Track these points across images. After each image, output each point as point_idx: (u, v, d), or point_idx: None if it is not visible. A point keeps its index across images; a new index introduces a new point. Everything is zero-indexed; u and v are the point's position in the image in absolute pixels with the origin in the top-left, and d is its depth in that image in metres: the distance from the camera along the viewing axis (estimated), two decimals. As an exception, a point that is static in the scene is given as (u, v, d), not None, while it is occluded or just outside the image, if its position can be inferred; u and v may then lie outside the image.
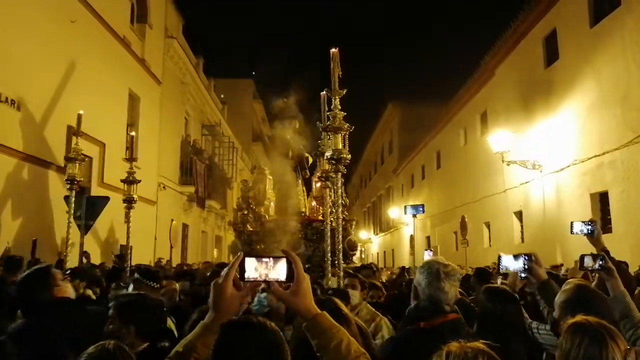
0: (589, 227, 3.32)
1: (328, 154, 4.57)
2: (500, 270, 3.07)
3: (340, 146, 4.38)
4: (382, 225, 39.11)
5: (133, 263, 12.34)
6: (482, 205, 18.73)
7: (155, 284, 4.00)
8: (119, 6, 15.12)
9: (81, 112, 7.80)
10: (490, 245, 18.33)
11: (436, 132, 25.54)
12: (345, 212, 13.04)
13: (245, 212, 13.09)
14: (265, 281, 1.51)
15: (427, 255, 5.04)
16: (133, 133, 7.70)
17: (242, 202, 13.48)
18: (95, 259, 11.29)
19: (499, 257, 3.01)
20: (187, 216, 21.32)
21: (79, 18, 12.25)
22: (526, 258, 2.95)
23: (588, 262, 2.98)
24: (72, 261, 9.11)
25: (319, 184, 12.48)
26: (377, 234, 41.43)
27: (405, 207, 17.48)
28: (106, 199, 10.85)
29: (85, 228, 9.76)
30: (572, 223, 3.37)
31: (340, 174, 4.39)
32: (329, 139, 4.53)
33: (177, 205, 20.05)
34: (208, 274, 5.43)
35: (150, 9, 17.48)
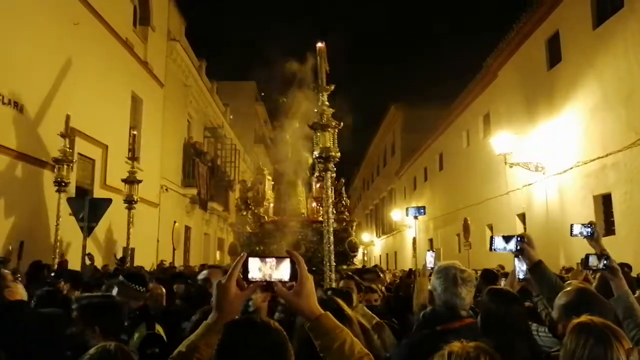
0: (589, 229, 3.31)
1: (316, 152, 4.38)
2: (493, 251, 3.04)
3: (329, 144, 4.19)
4: (384, 227, 39.08)
5: (135, 265, 12.40)
6: (485, 207, 18.70)
7: (140, 287, 3.90)
8: (121, 8, 15.16)
9: (69, 113, 7.80)
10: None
11: (439, 134, 25.53)
12: (347, 213, 12.96)
13: (244, 213, 12.96)
14: (268, 281, 1.51)
15: (430, 257, 5.02)
16: (135, 132, 7.68)
17: (241, 203, 13.34)
18: (97, 262, 11.29)
19: (491, 238, 2.99)
20: (190, 218, 21.34)
21: (82, 20, 12.29)
22: (518, 239, 2.93)
23: (593, 261, 2.97)
24: (73, 262, 9.14)
25: (318, 185, 12.43)
26: (379, 236, 41.41)
27: (407, 209, 17.50)
28: (109, 201, 10.86)
29: (87, 230, 9.76)
30: (571, 225, 3.36)
31: (329, 173, 4.19)
32: (317, 135, 4.36)
33: (180, 208, 20.07)
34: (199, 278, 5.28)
35: (152, 12, 17.53)
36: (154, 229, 17.10)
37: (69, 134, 7.23)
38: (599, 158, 11.64)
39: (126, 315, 3.05)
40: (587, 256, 3.02)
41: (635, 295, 5.25)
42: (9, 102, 9.81)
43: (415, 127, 29.15)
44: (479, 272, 8.33)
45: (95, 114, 12.71)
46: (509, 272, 6.27)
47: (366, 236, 42.20)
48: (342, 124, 4.17)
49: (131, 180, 7.40)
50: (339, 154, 4.15)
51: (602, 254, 2.99)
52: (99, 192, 12.78)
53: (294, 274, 1.50)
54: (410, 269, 12.91)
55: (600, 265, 2.94)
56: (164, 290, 5.08)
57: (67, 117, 7.21)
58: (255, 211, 12.86)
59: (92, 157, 13.09)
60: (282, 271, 1.50)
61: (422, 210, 17.25)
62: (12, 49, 9.83)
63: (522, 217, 15.99)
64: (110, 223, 12.54)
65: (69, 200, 10.23)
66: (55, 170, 7.37)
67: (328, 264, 4.61)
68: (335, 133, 4.29)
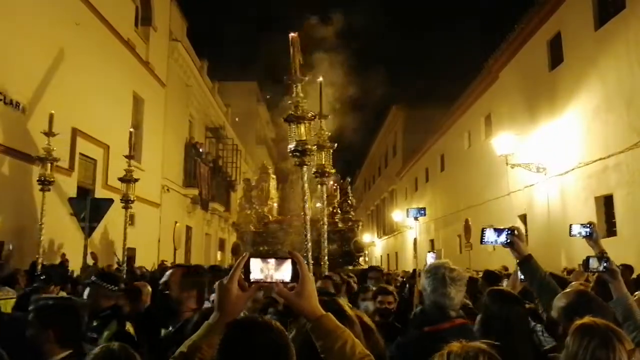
0: (587, 229, 3.31)
1: (291, 145, 4.22)
2: (484, 244, 3.03)
3: (304, 137, 4.05)
4: (385, 228, 39.08)
5: (137, 265, 12.42)
6: (486, 208, 18.69)
7: (113, 286, 3.85)
8: (123, 9, 15.18)
9: (52, 112, 7.76)
10: (494, 248, 18.28)
11: (440, 135, 25.52)
12: (352, 213, 12.86)
13: (248, 212, 12.82)
14: (270, 282, 1.51)
15: (430, 258, 5.03)
16: (132, 129, 7.61)
17: (245, 202, 13.18)
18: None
19: (482, 231, 2.98)
20: (191, 219, 21.35)
21: (84, 21, 12.31)
22: (508, 232, 2.92)
23: (593, 263, 2.97)
24: (73, 263, 9.16)
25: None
26: (380, 237, 41.41)
27: (407, 209, 17.49)
28: (110, 201, 10.87)
29: (89, 230, 9.77)
30: (570, 225, 3.36)
31: (305, 167, 4.04)
32: (293, 127, 4.13)
33: (181, 208, 20.09)
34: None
35: (154, 12, 17.55)
36: (155, 229, 17.12)
37: (48, 132, 7.17)
38: (600, 159, 11.62)
39: (85, 319, 2.89)
40: (588, 258, 3.02)
41: (636, 297, 5.26)
42: (17, 105, 9.84)
43: (416, 128, 29.15)
44: (481, 274, 8.35)
45: (96, 114, 12.74)
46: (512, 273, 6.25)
47: (367, 237, 42.19)
48: (316, 116, 4.05)
49: (128, 179, 7.33)
50: (315, 147, 4.02)
51: (602, 257, 2.99)
52: (100, 192, 12.80)
53: (295, 275, 1.50)
54: (414, 270, 12.79)
55: (601, 268, 2.94)
56: (149, 289, 5.04)
57: (51, 116, 7.17)
58: (260, 210, 12.73)
59: (93, 157, 13.11)
60: (283, 272, 1.50)
61: (423, 212, 17.23)
62: (16, 52, 9.85)
63: (524, 218, 15.97)
64: (112, 223, 12.53)
65: (71, 200, 10.26)
66: (40, 168, 7.31)
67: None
68: (311, 125, 4.17)
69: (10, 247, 8.66)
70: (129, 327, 3.60)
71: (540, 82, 14.61)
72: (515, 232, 2.91)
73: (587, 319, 1.92)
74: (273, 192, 13.63)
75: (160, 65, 18.03)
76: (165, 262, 15.42)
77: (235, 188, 26.77)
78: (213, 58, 27.11)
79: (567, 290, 2.75)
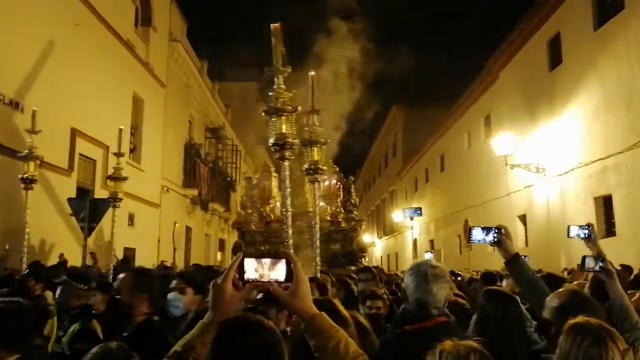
0: (586, 231, 3.31)
1: (272, 139, 4.07)
2: (470, 243, 3.03)
3: (284, 130, 3.86)
4: (385, 228, 39.08)
5: (137, 266, 12.41)
6: (486, 208, 18.69)
7: (84, 286, 3.82)
8: (123, 9, 15.19)
9: (35, 108, 7.71)
10: (494, 249, 18.27)
11: (440, 135, 25.54)
12: (355, 212, 12.72)
13: (250, 211, 12.60)
14: (264, 282, 1.52)
15: (428, 258, 5.03)
16: (122, 127, 7.52)
17: (247, 201, 12.94)
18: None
19: (470, 229, 2.97)
20: (191, 219, 21.36)
21: (83, 21, 12.32)
22: (496, 231, 2.92)
23: (589, 263, 2.98)
24: (73, 262, 9.15)
25: (326, 183, 12.18)
26: (380, 237, 41.40)
27: (404, 210, 17.45)
28: (109, 202, 10.86)
29: (88, 230, 9.78)
30: (568, 227, 3.36)
31: (287, 162, 3.87)
32: (272, 121, 3.98)
33: (181, 208, 20.09)
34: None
35: (154, 13, 17.56)
36: (155, 229, 17.12)
37: (31, 130, 7.11)
38: (600, 160, 11.64)
39: (32, 322, 2.69)
40: (584, 258, 3.03)
41: (635, 297, 5.27)
42: (17, 105, 9.85)
43: (416, 128, 29.16)
44: (480, 274, 8.36)
45: (96, 115, 12.74)
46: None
47: (367, 237, 42.17)
48: (298, 108, 3.90)
49: (116, 177, 7.24)
50: (296, 140, 3.84)
51: (598, 257, 3.00)
52: (100, 193, 12.79)
53: (289, 275, 1.51)
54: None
55: (597, 268, 2.94)
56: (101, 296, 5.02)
57: (34, 113, 7.12)
58: (262, 209, 12.51)
59: (93, 158, 13.11)
60: (278, 272, 1.51)
61: (419, 211, 17.33)
62: (16, 51, 9.86)
63: (523, 218, 15.99)
64: (110, 223, 12.51)
65: (70, 200, 10.26)
66: (23, 167, 7.22)
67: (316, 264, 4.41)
68: (293, 118, 3.99)
69: (7, 247, 8.65)
70: (95, 325, 3.54)
71: (540, 83, 14.62)
72: (503, 231, 2.90)
73: (580, 318, 1.93)
74: (275, 191, 13.44)
75: (160, 66, 18.03)
76: (165, 263, 15.43)
77: (235, 188, 26.75)
78: (213, 58, 27.13)
79: (560, 290, 2.76)
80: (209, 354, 1.48)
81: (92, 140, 12.80)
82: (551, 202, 13.91)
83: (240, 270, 1.51)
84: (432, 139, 26.51)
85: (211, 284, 1.56)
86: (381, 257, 41.29)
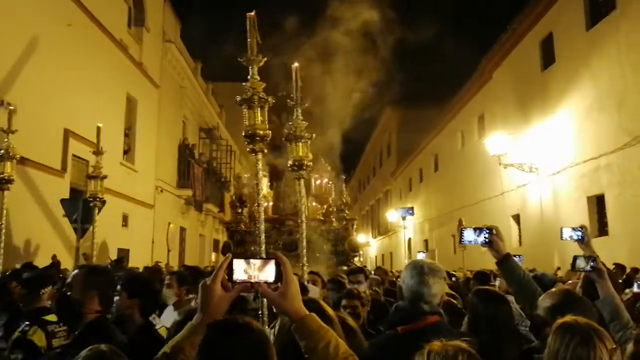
0: (579, 233, 3.32)
1: (244, 131, 3.86)
2: (462, 244, 3.03)
3: (257, 121, 3.67)
4: (380, 228, 39.12)
5: (130, 266, 12.38)
6: (480, 208, 18.75)
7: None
8: (116, 10, 15.13)
9: (12, 107, 7.59)
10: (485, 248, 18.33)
11: (434, 136, 25.59)
12: (347, 212, 12.61)
13: (240, 211, 12.33)
14: (253, 283, 1.51)
15: (420, 257, 5.04)
16: (100, 124, 7.38)
17: (236, 200, 12.63)
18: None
19: (461, 230, 2.98)
20: (185, 220, 21.31)
21: (76, 21, 12.26)
22: (487, 231, 2.93)
23: (580, 263, 2.99)
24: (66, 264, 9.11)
25: (318, 182, 12.10)
26: (375, 237, 41.44)
27: (397, 209, 17.44)
28: (102, 202, 10.81)
29: (81, 231, 9.74)
30: (561, 229, 3.37)
31: (260, 154, 3.63)
32: (253, 112, 3.91)
33: (175, 209, 20.04)
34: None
35: (147, 13, 17.50)
36: (149, 230, 17.07)
37: (7, 129, 7.02)
38: (592, 159, 11.70)
39: None
40: (575, 258, 3.03)
41: (627, 297, 5.30)
42: (2, 102, 9.78)
43: (410, 129, 29.19)
44: (473, 273, 8.37)
45: (89, 115, 12.67)
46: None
47: (362, 237, 42.20)
48: (267, 100, 3.75)
49: (94, 176, 7.11)
50: (268, 132, 3.68)
51: (589, 256, 3.01)
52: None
53: (279, 276, 1.51)
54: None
55: (587, 267, 2.95)
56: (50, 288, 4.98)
57: (10, 112, 7.01)
58: (252, 209, 12.22)
59: (86, 159, 13.03)
60: (267, 272, 1.51)
61: (411, 211, 17.35)
62: (7, 51, 9.81)
63: (517, 218, 16.04)
64: (102, 224, 12.47)
65: (63, 201, 10.21)
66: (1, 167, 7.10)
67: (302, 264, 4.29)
68: (266, 110, 3.77)
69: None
70: (35, 333, 3.37)
71: (533, 83, 14.68)
72: (494, 231, 2.91)
73: (568, 318, 1.94)
74: (266, 191, 13.21)
75: (153, 66, 17.98)
76: (159, 263, 15.38)
77: (230, 189, 26.70)
78: (207, 59, 27.03)
79: (553, 290, 2.77)
80: (196, 356, 1.48)
81: (85, 141, 12.71)
82: (544, 202, 13.97)
83: (230, 271, 1.51)
84: (426, 139, 26.57)
85: (200, 285, 1.56)
86: (376, 257, 41.34)
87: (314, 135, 4.33)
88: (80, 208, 9.81)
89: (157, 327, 3.39)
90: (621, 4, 10.86)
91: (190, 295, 4.64)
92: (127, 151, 15.95)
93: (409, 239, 26.18)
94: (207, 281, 1.54)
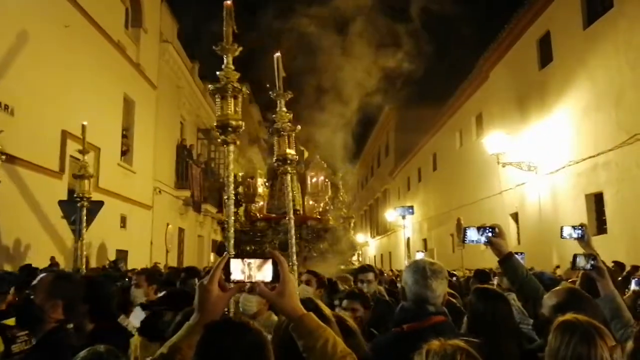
0: (579, 231, 3.31)
1: (215, 122, 3.65)
2: (464, 243, 3.02)
3: (229, 111, 3.47)
4: (379, 228, 39.12)
5: (129, 267, 12.37)
6: (478, 207, 18.76)
7: None
8: (113, 11, 15.11)
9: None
10: (486, 247, 18.31)
11: (432, 135, 25.60)
12: (344, 210, 12.49)
13: (235, 210, 12.04)
14: (250, 282, 1.51)
15: (419, 257, 5.04)
16: (85, 122, 7.26)
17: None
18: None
19: (464, 230, 2.96)
20: (183, 220, 21.29)
21: (73, 23, 12.23)
22: (489, 230, 2.91)
23: (580, 261, 2.98)
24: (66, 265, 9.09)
25: (314, 180, 11.89)
26: (374, 237, 41.44)
27: (396, 208, 17.37)
28: (100, 204, 10.79)
29: (79, 233, 9.71)
30: (561, 228, 3.36)
31: (232, 146, 3.47)
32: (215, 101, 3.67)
33: (173, 210, 20.02)
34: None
35: (144, 14, 17.47)
36: (147, 231, 17.05)
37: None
38: (590, 157, 11.70)
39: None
40: (575, 257, 3.02)
41: (627, 295, 5.30)
42: (6, 108, 9.77)
43: (408, 128, 29.20)
44: (473, 272, 8.37)
45: (87, 116, 12.61)
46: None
47: (361, 237, 42.21)
48: (243, 89, 3.62)
49: (80, 175, 7.00)
50: (241, 123, 3.53)
51: (590, 255, 3.00)
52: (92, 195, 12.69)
53: (276, 275, 1.50)
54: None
55: (588, 266, 2.94)
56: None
57: None
58: (247, 208, 12.12)
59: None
60: (264, 272, 1.50)
61: (411, 210, 17.34)
62: (5, 53, 9.78)
63: (515, 216, 16.05)
64: (100, 225, 12.46)
65: (61, 203, 10.19)
66: None
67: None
68: (240, 101, 3.74)
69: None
70: None
71: (531, 81, 14.69)
72: (496, 230, 2.90)
73: (569, 316, 1.93)
74: (262, 189, 12.93)
75: (151, 67, 17.95)
76: (158, 265, 15.36)
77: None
78: (204, 59, 26.99)
79: (557, 288, 2.76)
80: (194, 356, 1.47)
81: (82, 142, 12.71)
82: (543, 200, 13.98)
83: (227, 271, 1.50)
84: (424, 139, 26.58)
85: (197, 285, 1.55)
86: (374, 256, 41.35)
87: (298, 127, 4.20)
88: (78, 209, 9.78)
89: (127, 327, 3.31)
90: (618, 2, 10.87)
91: (160, 295, 4.51)
92: (125, 152, 15.92)
93: (408, 238, 26.18)
94: (204, 281, 1.53)
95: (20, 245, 9.94)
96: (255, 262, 1.50)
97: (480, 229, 2.90)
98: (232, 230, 3.15)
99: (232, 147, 3.38)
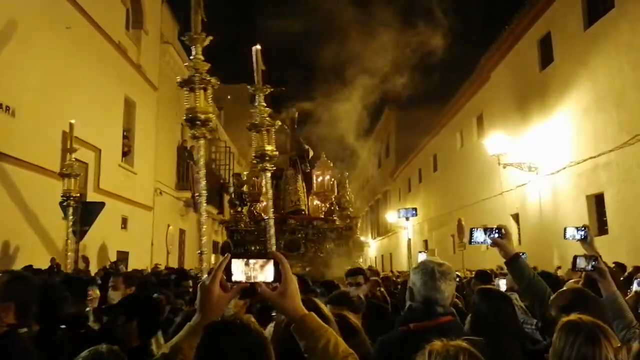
0: (582, 232, 3.30)
1: (184, 116, 3.55)
2: (472, 244, 3.01)
3: (199, 104, 3.30)
4: (380, 229, 39.09)
5: (130, 269, 12.38)
6: (479, 208, 18.74)
7: None
8: (114, 12, 15.12)
9: None
10: (487, 248, 18.32)
11: (433, 136, 25.57)
12: (350, 209, 12.31)
13: (239, 209, 11.71)
14: (252, 283, 1.50)
15: (422, 258, 5.01)
16: (72, 120, 7.21)
17: (236, 198, 11.96)
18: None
19: (471, 230, 2.96)
20: (184, 222, 21.28)
21: (74, 24, 12.25)
22: (496, 231, 2.90)
23: (580, 263, 2.96)
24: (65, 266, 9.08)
25: (319, 179, 11.76)
26: (375, 238, 41.41)
27: (399, 210, 17.35)
28: (101, 205, 10.81)
29: (80, 234, 9.72)
30: (565, 228, 3.34)
31: (203, 140, 3.34)
32: (186, 93, 3.40)
33: (174, 211, 20.02)
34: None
35: (145, 15, 17.49)
36: (148, 232, 17.04)
37: None
38: (591, 158, 11.68)
39: None
40: (575, 258, 3.01)
41: (630, 296, 5.27)
42: (7, 109, 9.78)
43: (409, 129, 29.15)
44: (474, 273, 8.36)
45: (88, 118, 12.66)
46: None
47: (362, 238, 42.15)
48: (212, 81, 3.40)
49: (67, 174, 6.96)
50: (211, 115, 3.34)
51: (590, 256, 2.99)
52: (92, 196, 12.71)
53: (277, 275, 1.49)
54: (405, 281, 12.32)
55: (589, 267, 2.93)
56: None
57: None
58: (252, 208, 11.64)
59: (85, 161, 13.03)
60: (266, 272, 1.49)
61: (414, 212, 17.32)
62: (6, 54, 9.79)
63: (516, 217, 16.03)
64: (101, 226, 12.47)
65: (62, 204, 10.19)
66: None
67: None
68: (210, 93, 3.53)
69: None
70: None
71: (531, 82, 14.68)
72: (503, 231, 2.89)
73: (573, 316, 1.92)
74: (267, 189, 12.70)
75: (151, 69, 17.96)
76: (158, 265, 15.36)
77: (229, 191, 26.64)
78: (205, 61, 26.97)
79: (564, 289, 2.75)
80: (194, 357, 1.47)
81: (84, 143, 12.71)
82: (544, 201, 13.96)
83: (228, 271, 1.49)
84: (425, 140, 26.54)
85: (199, 285, 1.54)
86: (375, 257, 41.32)
87: (278, 122, 4.14)
88: (79, 210, 9.81)
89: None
90: (619, 3, 10.86)
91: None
92: (126, 153, 15.93)
93: (409, 240, 26.12)
94: (205, 282, 1.52)
95: (21, 247, 9.93)
96: (256, 262, 1.49)
97: (487, 230, 2.89)
98: (205, 227, 3.13)
99: (202, 142, 3.23)
